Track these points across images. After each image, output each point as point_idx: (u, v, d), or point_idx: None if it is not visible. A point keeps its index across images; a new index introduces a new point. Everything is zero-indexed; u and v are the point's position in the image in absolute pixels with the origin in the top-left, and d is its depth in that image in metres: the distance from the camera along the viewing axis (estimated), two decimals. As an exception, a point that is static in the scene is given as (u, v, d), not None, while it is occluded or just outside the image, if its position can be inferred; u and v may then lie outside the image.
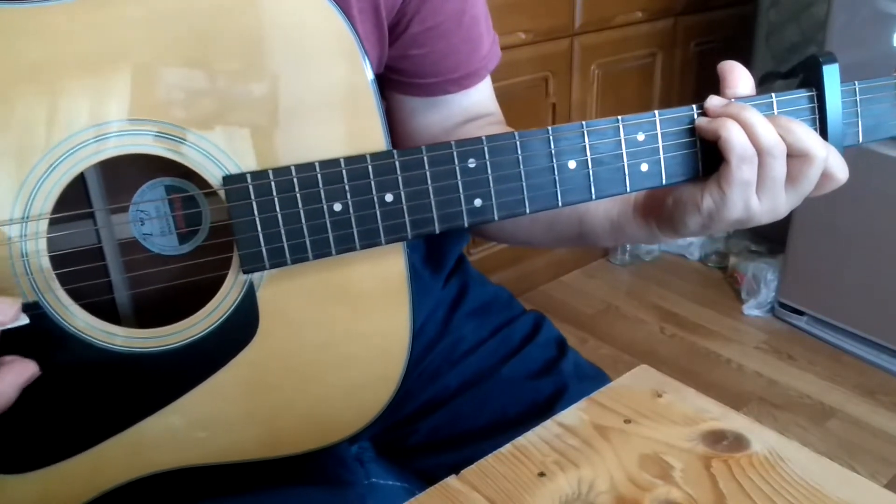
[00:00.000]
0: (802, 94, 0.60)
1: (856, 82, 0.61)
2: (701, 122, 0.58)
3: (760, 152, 0.57)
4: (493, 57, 0.77)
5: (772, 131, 0.57)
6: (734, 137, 0.56)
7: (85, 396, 0.54)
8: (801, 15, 2.29)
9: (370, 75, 0.55)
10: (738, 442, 0.56)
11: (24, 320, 0.51)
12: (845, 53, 0.60)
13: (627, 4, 2.10)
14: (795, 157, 0.58)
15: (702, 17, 2.31)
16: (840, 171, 0.59)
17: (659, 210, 0.64)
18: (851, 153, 0.58)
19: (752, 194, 0.58)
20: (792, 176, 0.58)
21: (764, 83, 0.60)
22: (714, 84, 0.61)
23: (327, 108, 0.54)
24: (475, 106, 0.77)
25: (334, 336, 0.58)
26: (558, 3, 1.96)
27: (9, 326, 0.50)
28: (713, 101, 0.59)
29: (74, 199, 0.54)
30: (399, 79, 0.75)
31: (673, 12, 2.24)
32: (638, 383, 0.62)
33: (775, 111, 0.59)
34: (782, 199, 0.59)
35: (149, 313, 0.57)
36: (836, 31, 1.73)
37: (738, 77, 0.60)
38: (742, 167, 0.57)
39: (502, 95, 0.81)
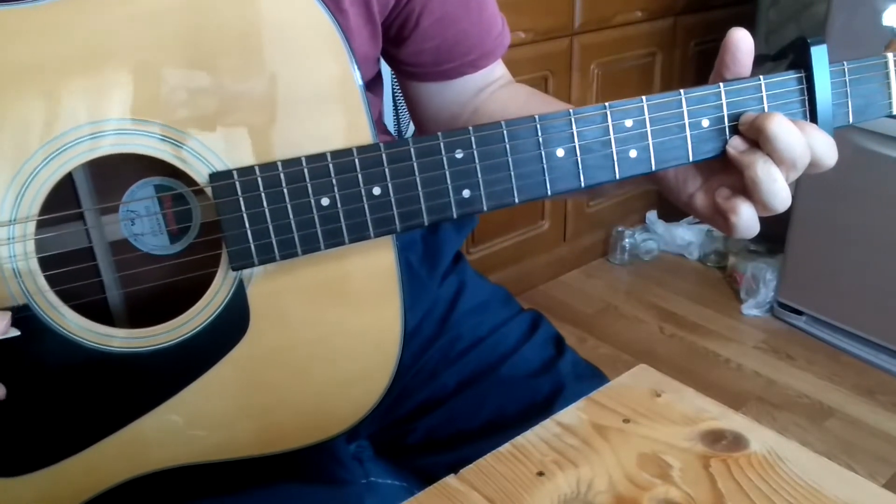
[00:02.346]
0: (791, 76, 0.59)
1: (844, 62, 0.59)
2: (733, 149, 0.58)
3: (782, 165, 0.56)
4: (507, 36, 0.79)
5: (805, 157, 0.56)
6: (764, 185, 0.55)
7: (78, 397, 0.54)
8: (801, 15, 2.28)
9: (356, 70, 0.54)
10: (736, 441, 0.55)
11: (15, 332, 0.50)
12: (845, 53, 0.60)
13: (627, 4, 2.10)
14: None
15: (702, 17, 2.32)
16: (828, 156, 0.57)
17: (668, 188, 0.64)
18: (851, 152, 0.58)
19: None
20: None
21: (753, 66, 0.59)
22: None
23: (314, 103, 0.54)
24: (488, 77, 0.78)
25: (326, 331, 0.58)
26: (558, 3, 1.96)
27: None
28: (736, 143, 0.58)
29: (65, 200, 0.54)
30: (417, 71, 0.76)
31: (673, 12, 2.24)
32: (637, 383, 0.62)
33: (763, 94, 0.58)
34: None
35: (142, 313, 0.57)
36: (836, 30, 1.73)
37: (742, 59, 0.58)
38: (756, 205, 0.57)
39: (502, 95, 0.81)
